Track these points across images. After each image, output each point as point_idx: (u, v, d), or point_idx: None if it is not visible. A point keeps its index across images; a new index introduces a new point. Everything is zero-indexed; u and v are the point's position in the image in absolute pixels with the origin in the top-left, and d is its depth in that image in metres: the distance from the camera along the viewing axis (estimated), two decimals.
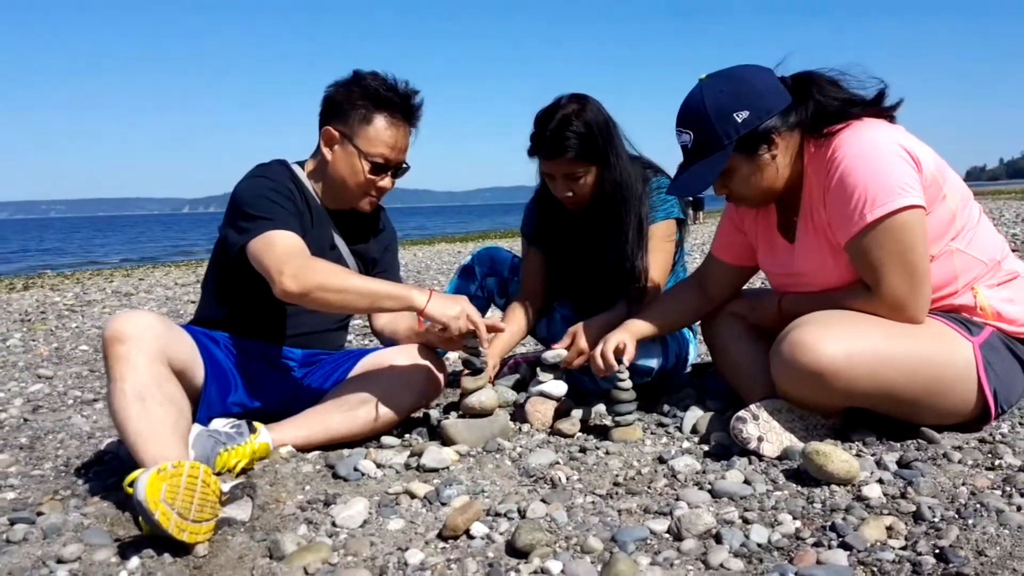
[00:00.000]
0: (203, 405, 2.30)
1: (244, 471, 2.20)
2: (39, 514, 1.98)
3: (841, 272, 2.16)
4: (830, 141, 2.10)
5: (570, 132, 2.61)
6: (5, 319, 6.86)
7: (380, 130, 2.45)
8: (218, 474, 2.10)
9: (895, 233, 1.99)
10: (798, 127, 2.15)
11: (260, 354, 2.56)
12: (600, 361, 2.45)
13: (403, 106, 2.49)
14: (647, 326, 2.53)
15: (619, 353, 2.45)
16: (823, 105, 2.13)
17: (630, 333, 2.49)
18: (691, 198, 21.08)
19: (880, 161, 2.01)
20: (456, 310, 2.31)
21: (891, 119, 2.16)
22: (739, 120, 2.09)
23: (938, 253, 2.10)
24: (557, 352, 2.64)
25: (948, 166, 2.15)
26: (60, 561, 1.68)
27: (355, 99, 2.45)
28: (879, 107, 2.15)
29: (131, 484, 1.68)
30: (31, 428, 2.98)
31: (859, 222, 2.01)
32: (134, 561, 1.66)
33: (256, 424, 2.31)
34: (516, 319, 2.93)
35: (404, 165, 2.56)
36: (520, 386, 2.92)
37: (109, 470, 2.34)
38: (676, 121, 2.22)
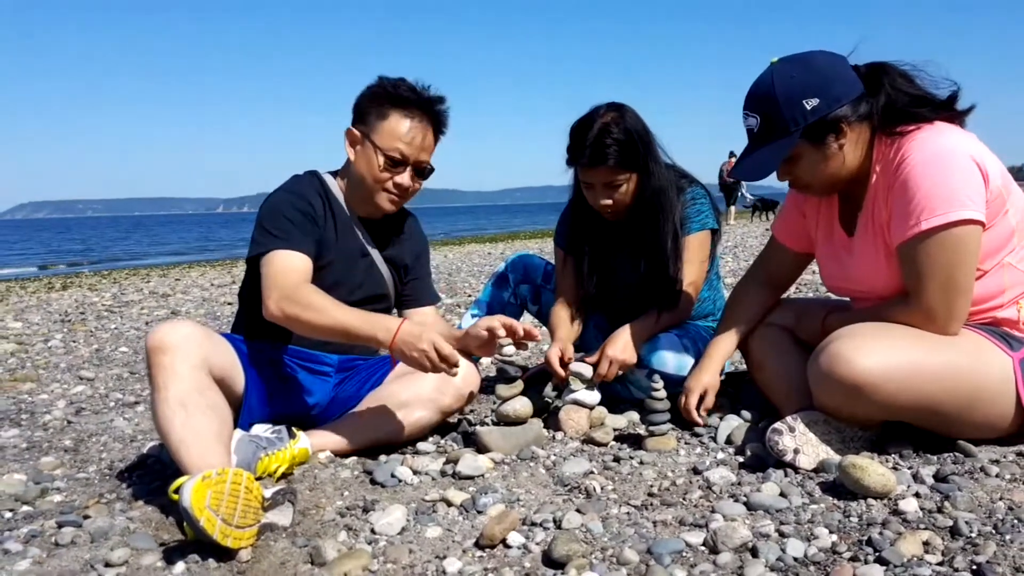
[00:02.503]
0: (244, 412, 2.34)
1: (284, 476, 2.24)
2: (86, 517, 2.03)
3: (890, 275, 2.15)
4: (901, 142, 2.08)
5: (611, 140, 2.61)
6: (46, 319, 7.00)
7: (395, 125, 2.47)
8: (259, 478, 2.14)
9: (946, 246, 1.98)
10: (868, 119, 2.13)
11: (297, 361, 2.59)
12: (694, 415, 2.51)
13: (419, 103, 2.50)
14: (729, 346, 2.55)
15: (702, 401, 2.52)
16: (893, 99, 2.11)
17: (715, 363, 2.52)
18: (764, 200, 21.00)
19: (948, 169, 1.98)
20: (420, 346, 2.25)
21: (962, 124, 2.13)
22: (808, 107, 2.07)
23: (991, 267, 2.08)
24: (580, 371, 2.68)
25: (1013, 179, 2.11)
26: (108, 565, 1.73)
27: (375, 99, 2.49)
28: (950, 110, 2.13)
29: (176, 491, 1.73)
30: (75, 430, 3.05)
31: (914, 227, 2.00)
32: (180, 566, 1.70)
33: (295, 430, 2.36)
34: (567, 318, 2.96)
35: (427, 166, 2.56)
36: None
37: (152, 474, 2.40)
38: (744, 104, 2.20)
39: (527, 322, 2.53)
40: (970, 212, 1.96)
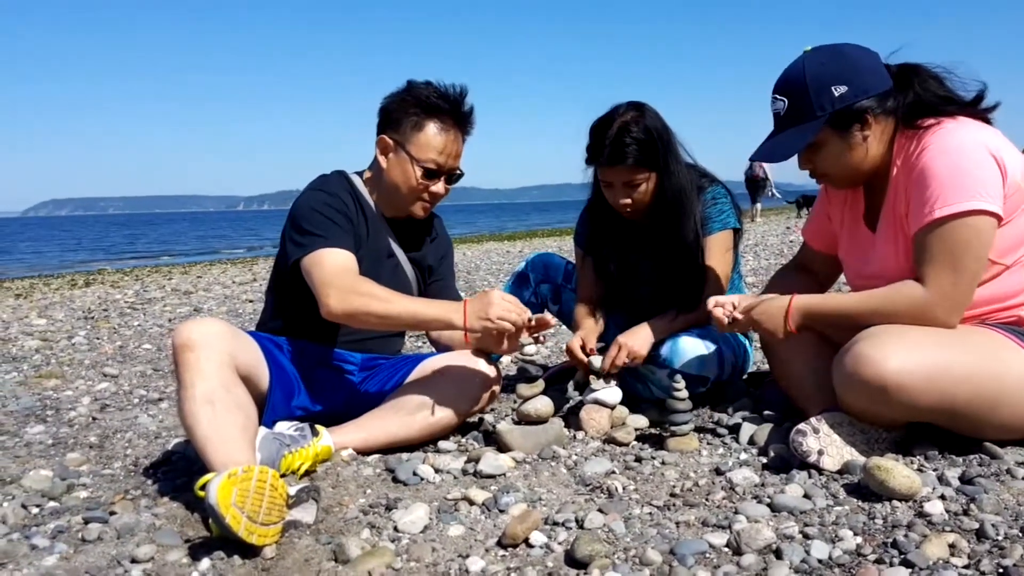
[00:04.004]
0: (268, 409, 2.36)
1: (307, 473, 2.26)
2: (112, 513, 2.05)
3: (909, 267, 2.13)
4: (921, 135, 2.09)
5: (630, 139, 2.61)
6: (70, 316, 7.06)
7: (431, 136, 2.50)
8: (282, 476, 2.15)
9: (958, 235, 1.98)
10: (893, 114, 2.14)
11: (321, 359, 2.61)
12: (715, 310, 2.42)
13: (454, 112, 2.54)
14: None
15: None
16: (921, 97, 2.12)
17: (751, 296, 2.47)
18: (807, 196, 20.85)
19: (964, 161, 1.98)
20: (488, 311, 2.31)
21: (987, 120, 2.13)
22: (836, 94, 2.09)
23: (1012, 263, 2.07)
24: (594, 361, 2.70)
25: None
26: (134, 561, 1.74)
27: (407, 107, 2.51)
28: (976, 108, 2.13)
29: (203, 487, 1.74)
30: (100, 427, 3.08)
31: (928, 216, 2.00)
32: (205, 562, 1.71)
33: (318, 427, 2.37)
34: (588, 316, 2.97)
35: (457, 171, 2.61)
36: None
37: (177, 470, 2.42)
38: (773, 88, 2.22)
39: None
40: (984, 203, 1.95)
